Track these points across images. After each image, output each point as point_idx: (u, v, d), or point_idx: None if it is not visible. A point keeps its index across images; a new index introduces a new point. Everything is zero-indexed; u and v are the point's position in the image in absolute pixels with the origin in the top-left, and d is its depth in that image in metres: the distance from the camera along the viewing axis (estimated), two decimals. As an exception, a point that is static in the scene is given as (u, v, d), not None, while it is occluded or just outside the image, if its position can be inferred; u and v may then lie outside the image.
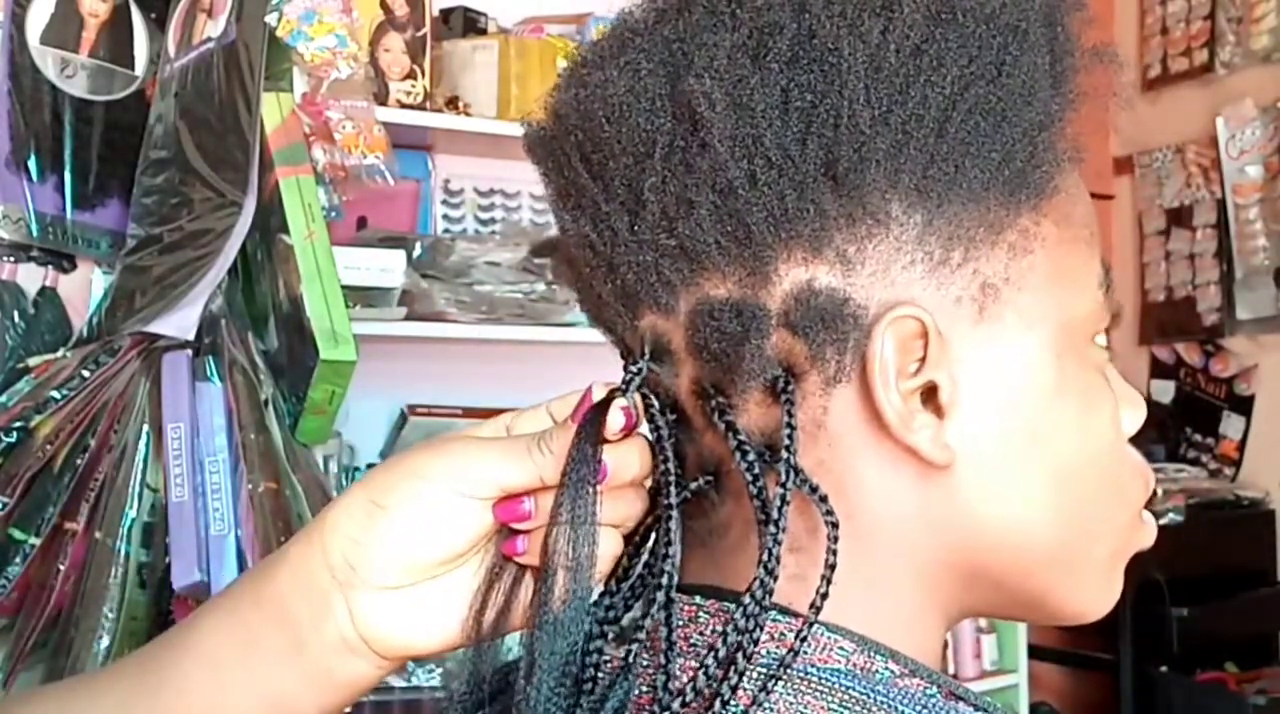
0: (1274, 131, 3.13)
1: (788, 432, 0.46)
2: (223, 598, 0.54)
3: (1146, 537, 0.55)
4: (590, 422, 0.48)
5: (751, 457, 0.47)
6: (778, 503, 0.46)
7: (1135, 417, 0.55)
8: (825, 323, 0.46)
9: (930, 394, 0.47)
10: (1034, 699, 2.87)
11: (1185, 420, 3.39)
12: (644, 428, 0.50)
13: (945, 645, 2.52)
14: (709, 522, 0.51)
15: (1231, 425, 3.30)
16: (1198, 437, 3.38)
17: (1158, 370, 3.48)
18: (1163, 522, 2.92)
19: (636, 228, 0.49)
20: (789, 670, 0.46)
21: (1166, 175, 3.42)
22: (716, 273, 0.48)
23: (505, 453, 0.49)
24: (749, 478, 0.47)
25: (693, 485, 0.50)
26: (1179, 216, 3.39)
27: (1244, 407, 3.27)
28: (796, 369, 0.47)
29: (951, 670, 2.52)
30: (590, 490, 0.47)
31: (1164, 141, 3.41)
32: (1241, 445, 3.28)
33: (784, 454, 0.46)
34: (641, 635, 0.48)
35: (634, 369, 0.50)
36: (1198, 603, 2.83)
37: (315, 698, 0.51)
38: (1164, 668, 2.89)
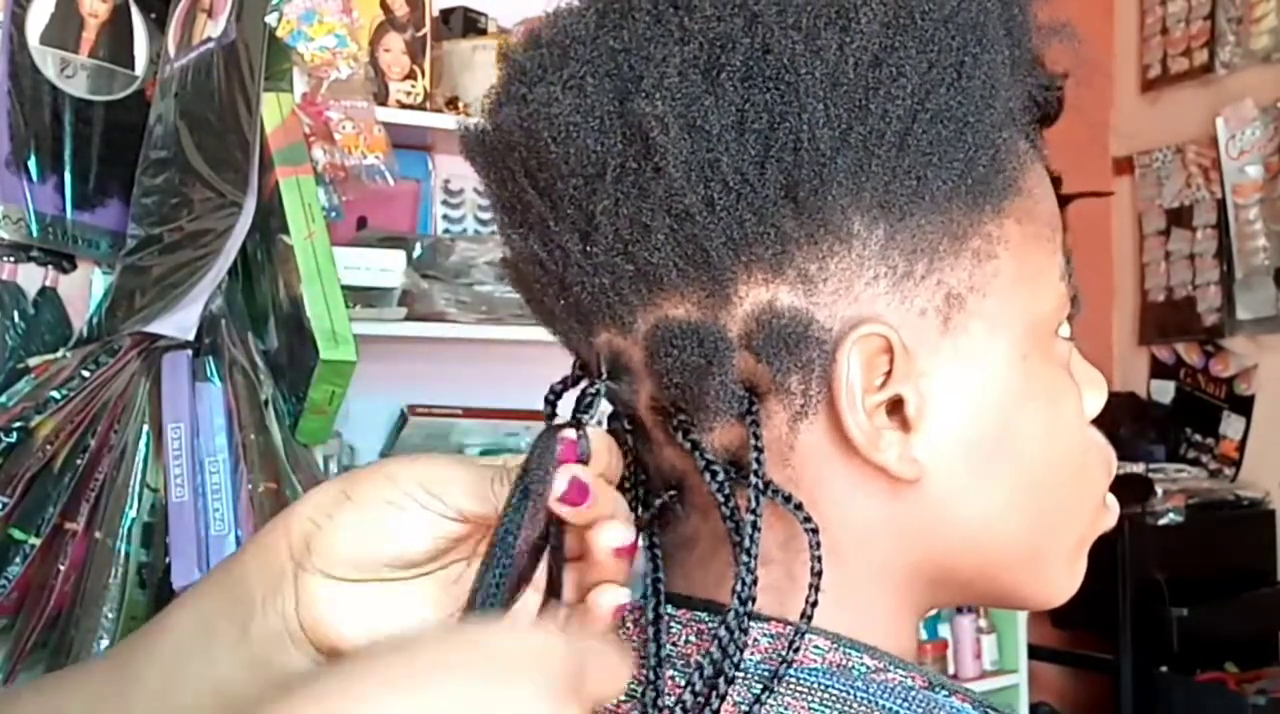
0: (1274, 131, 3.13)
1: (755, 456, 0.45)
2: (195, 586, 0.53)
3: (1109, 520, 0.55)
4: (526, 467, 0.46)
5: (721, 477, 0.46)
6: (749, 530, 0.45)
7: (1097, 399, 0.54)
8: (789, 347, 0.46)
9: (896, 406, 0.47)
10: (1034, 699, 2.87)
11: (1185, 420, 3.39)
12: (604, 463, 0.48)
13: (945, 645, 2.52)
14: (675, 535, 0.50)
15: (1231, 425, 3.30)
16: (1198, 437, 3.38)
17: (1158, 370, 3.48)
18: (1163, 522, 2.93)
19: (589, 249, 0.47)
20: (762, 673, 0.46)
21: (1166, 175, 3.42)
22: (675, 293, 0.47)
23: (472, 480, 0.47)
24: (720, 499, 0.46)
25: (657, 501, 0.49)
26: (1179, 216, 3.39)
27: (1244, 407, 3.27)
28: (760, 389, 0.46)
29: (951, 670, 2.52)
30: (512, 538, 0.45)
31: (1164, 141, 3.41)
32: (1241, 445, 3.29)
33: (753, 479, 0.45)
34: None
35: (591, 391, 0.48)
36: (1198, 603, 2.83)
37: (257, 688, 0.49)
38: (1164, 668, 2.89)
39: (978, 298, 0.47)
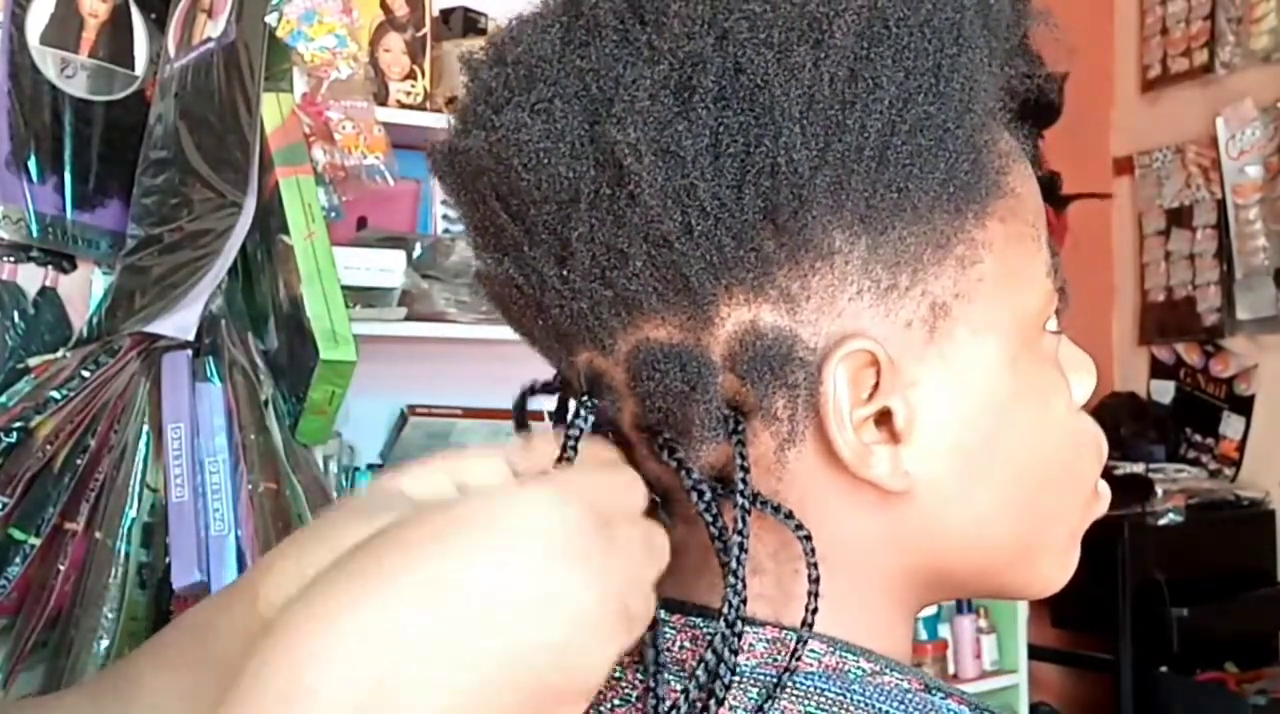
0: (1274, 131, 3.13)
1: (741, 477, 0.45)
2: (157, 647, 0.52)
3: (1100, 508, 0.55)
4: None
5: (708, 497, 0.45)
6: (736, 551, 0.44)
7: (1086, 383, 0.53)
8: (773, 368, 0.45)
9: (884, 417, 0.46)
10: (1034, 699, 2.87)
11: (1185, 420, 3.39)
12: None
13: (945, 645, 2.52)
14: None
15: (1231, 425, 3.30)
16: (1198, 437, 3.38)
17: (1158, 370, 3.48)
18: (1163, 522, 2.93)
19: (566, 275, 0.46)
20: (759, 677, 0.46)
21: (1166, 175, 3.42)
22: (655, 317, 0.46)
23: None
24: (708, 519, 0.45)
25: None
26: (1179, 217, 3.39)
27: (1244, 407, 3.27)
28: (746, 409, 0.46)
29: (951, 671, 2.52)
30: None
31: (1164, 141, 3.41)
32: (1241, 445, 3.29)
33: (738, 499, 0.45)
34: None
35: (585, 409, 0.47)
36: (1198, 603, 2.83)
37: None
38: (1164, 668, 2.89)
39: (963, 304, 0.47)
